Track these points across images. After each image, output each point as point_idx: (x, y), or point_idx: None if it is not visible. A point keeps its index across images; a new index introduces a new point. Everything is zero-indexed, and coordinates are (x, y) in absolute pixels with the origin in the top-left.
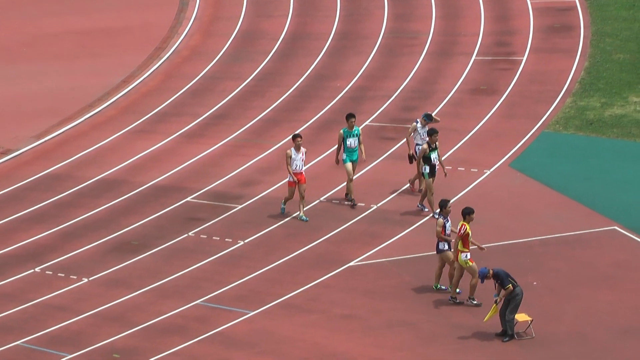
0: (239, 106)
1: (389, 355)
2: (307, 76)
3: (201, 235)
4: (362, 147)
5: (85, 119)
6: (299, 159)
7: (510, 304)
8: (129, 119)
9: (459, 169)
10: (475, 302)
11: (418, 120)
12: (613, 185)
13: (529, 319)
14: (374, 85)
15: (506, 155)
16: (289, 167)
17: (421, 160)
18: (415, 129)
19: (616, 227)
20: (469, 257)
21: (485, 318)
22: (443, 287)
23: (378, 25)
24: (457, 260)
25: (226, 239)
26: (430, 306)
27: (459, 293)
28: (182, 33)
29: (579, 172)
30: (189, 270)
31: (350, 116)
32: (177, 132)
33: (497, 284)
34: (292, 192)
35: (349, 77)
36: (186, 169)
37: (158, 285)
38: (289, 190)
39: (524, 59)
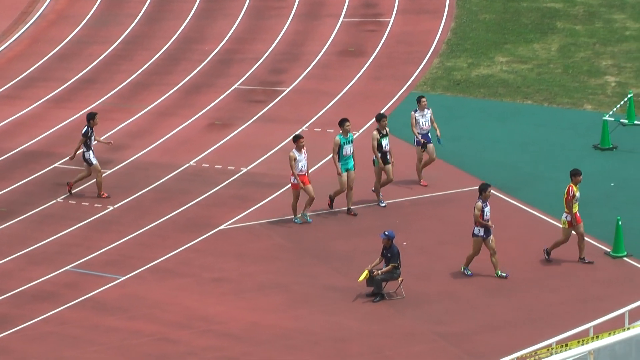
0: (107, 70)
1: (260, 317)
2: (175, 39)
3: (70, 201)
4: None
5: None
6: (303, 160)
7: (386, 275)
8: None
9: (328, 131)
10: (587, 260)
11: (417, 109)
12: (481, 144)
13: (399, 279)
14: (242, 48)
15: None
16: (294, 169)
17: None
18: (415, 119)
19: None
20: (568, 218)
21: (360, 279)
22: (504, 275)
23: None
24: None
25: (96, 205)
26: (302, 268)
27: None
28: None
29: (447, 132)
30: (59, 236)
31: (345, 121)
32: (45, 97)
33: (385, 255)
34: (298, 194)
35: (217, 40)
36: (55, 134)
37: (27, 251)
38: (293, 193)
39: (391, 20)
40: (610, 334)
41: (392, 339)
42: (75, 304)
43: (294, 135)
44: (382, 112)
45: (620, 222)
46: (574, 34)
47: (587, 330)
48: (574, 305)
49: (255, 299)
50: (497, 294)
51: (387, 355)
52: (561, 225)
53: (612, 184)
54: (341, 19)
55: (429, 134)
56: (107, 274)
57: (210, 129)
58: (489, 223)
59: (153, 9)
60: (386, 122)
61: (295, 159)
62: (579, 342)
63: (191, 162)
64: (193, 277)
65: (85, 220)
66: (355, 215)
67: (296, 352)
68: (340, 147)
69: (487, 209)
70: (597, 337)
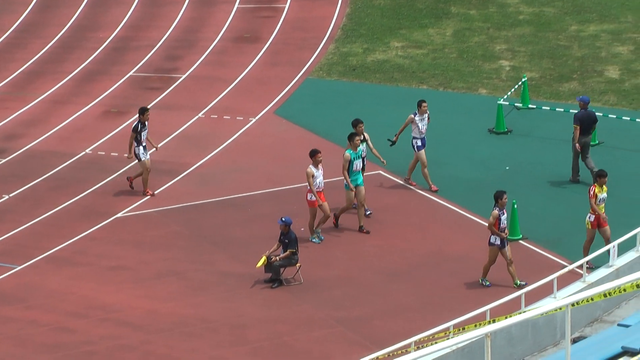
0: (0, 59)
1: (159, 305)
2: (69, 27)
3: None
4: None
5: None
6: (320, 176)
7: (284, 261)
8: None
9: (224, 117)
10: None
11: (416, 112)
12: (377, 129)
13: (297, 265)
14: (137, 35)
15: (271, 102)
16: (312, 186)
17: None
18: (412, 121)
19: (380, 172)
20: (591, 219)
21: (257, 265)
22: (522, 283)
23: None
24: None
25: None
26: (199, 255)
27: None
28: None
29: (343, 117)
30: None
31: (354, 135)
32: None
33: (282, 242)
34: (315, 212)
35: (111, 27)
36: None
37: None
38: (310, 211)
39: (287, 6)
40: (506, 316)
41: (290, 324)
42: None
43: (311, 150)
44: (356, 121)
45: (515, 206)
46: (469, 18)
47: (484, 313)
48: (471, 288)
49: (152, 287)
50: (396, 279)
51: (286, 341)
52: (586, 227)
53: (507, 168)
54: (236, 5)
55: (425, 138)
56: (2, 263)
57: (105, 117)
58: (505, 233)
59: None
60: (363, 127)
61: (313, 176)
62: (475, 325)
63: (87, 150)
64: (90, 266)
65: None
66: (367, 232)
67: (194, 340)
68: (350, 163)
69: (503, 217)
70: (494, 320)
